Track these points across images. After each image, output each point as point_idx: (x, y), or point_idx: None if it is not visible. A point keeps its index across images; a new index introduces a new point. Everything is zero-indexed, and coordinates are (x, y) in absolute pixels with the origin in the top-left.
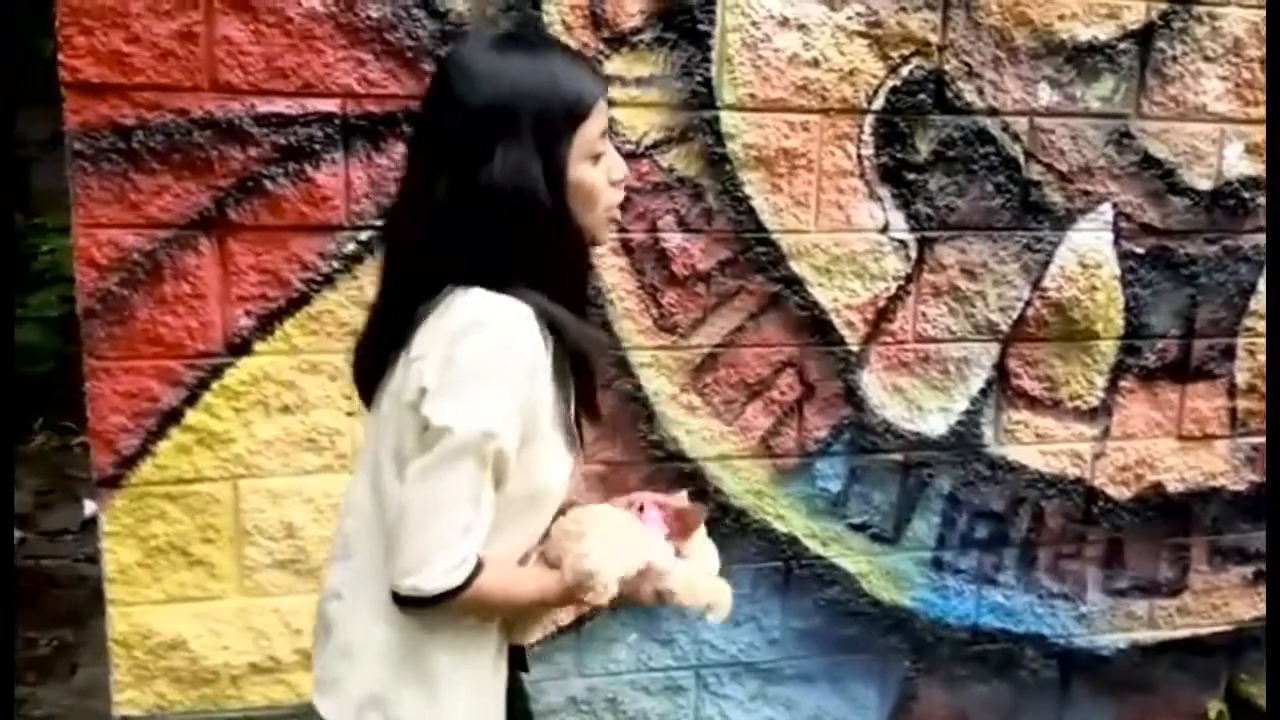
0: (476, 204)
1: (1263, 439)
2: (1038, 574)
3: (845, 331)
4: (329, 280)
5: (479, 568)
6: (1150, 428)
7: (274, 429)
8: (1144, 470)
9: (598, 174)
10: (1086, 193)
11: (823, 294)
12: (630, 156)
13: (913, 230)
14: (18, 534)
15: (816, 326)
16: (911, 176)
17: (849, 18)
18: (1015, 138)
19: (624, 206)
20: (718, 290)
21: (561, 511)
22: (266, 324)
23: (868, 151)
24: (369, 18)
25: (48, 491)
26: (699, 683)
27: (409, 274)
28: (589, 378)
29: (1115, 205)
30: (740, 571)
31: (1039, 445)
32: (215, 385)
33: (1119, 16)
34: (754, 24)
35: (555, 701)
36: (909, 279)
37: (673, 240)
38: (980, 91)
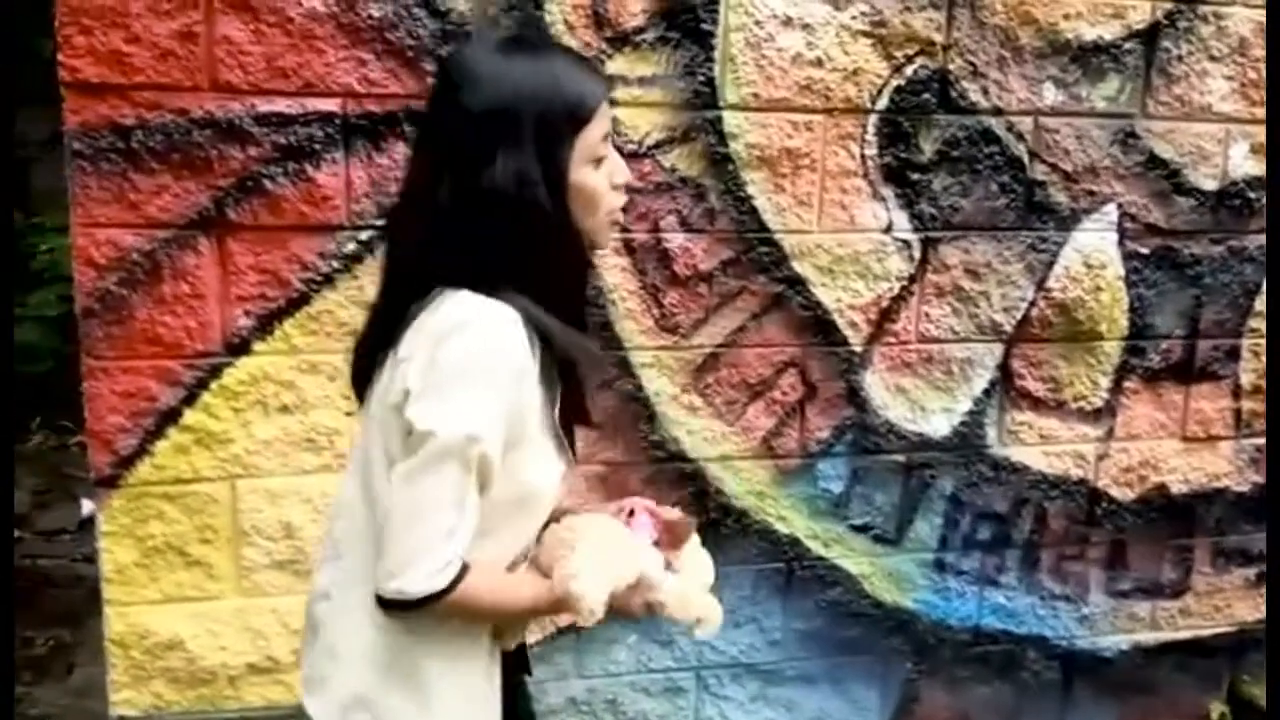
0: (478, 206)
1: None
2: (1040, 575)
3: (848, 332)
4: (329, 280)
5: (464, 571)
6: (1154, 429)
7: (273, 429)
8: (1148, 471)
9: (599, 178)
10: (1091, 193)
11: (825, 294)
12: (632, 156)
13: (916, 230)
14: (15, 533)
15: (819, 327)
16: (915, 176)
17: (853, 17)
18: (1020, 137)
19: (626, 207)
20: (720, 290)
21: (555, 518)
22: (266, 324)
23: (871, 151)
24: (370, 17)
25: (45, 491)
26: (699, 684)
27: (409, 274)
28: (577, 384)
29: (1120, 205)
30: (741, 572)
31: (1042, 446)
32: (214, 385)
33: (1124, 16)
34: (757, 23)
35: (555, 702)
36: (912, 279)
37: (675, 240)
38: (985, 91)
